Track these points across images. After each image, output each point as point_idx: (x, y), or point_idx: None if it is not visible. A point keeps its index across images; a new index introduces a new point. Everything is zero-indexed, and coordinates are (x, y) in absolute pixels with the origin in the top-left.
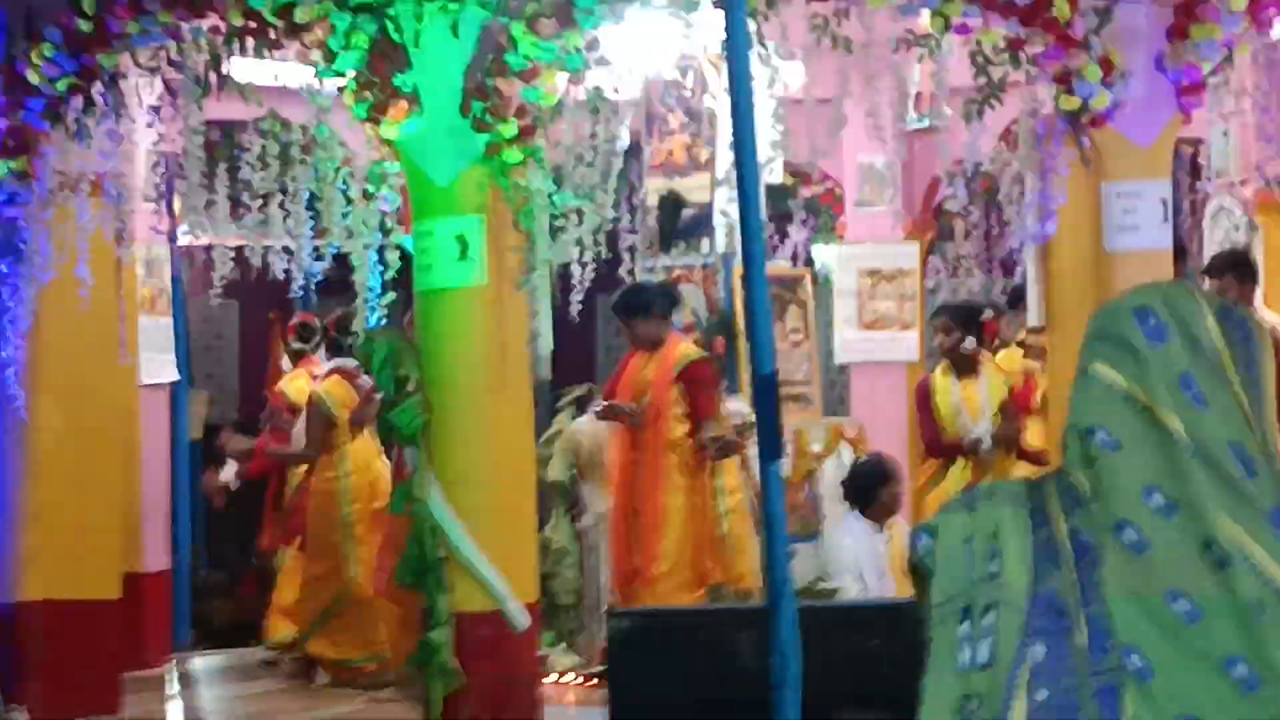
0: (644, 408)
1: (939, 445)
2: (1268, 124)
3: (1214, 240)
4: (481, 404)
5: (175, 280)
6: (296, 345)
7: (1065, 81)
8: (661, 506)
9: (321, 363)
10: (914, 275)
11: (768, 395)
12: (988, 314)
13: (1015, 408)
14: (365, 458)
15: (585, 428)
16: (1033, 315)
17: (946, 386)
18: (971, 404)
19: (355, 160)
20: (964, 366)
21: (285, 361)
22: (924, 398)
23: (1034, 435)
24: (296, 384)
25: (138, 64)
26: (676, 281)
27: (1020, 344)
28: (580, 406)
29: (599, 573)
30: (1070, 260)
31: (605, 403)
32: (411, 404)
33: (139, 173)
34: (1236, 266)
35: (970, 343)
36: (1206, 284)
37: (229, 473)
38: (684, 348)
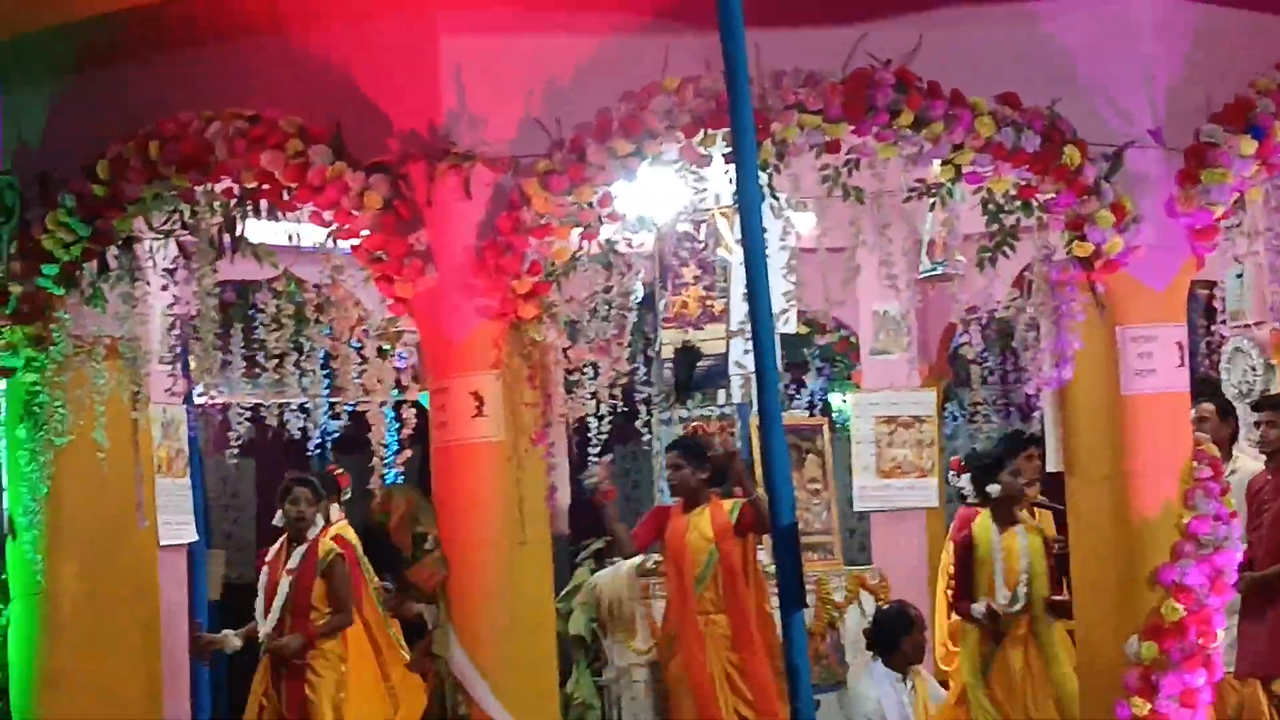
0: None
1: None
2: None
3: (1231, 382)
4: (500, 559)
5: (192, 441)
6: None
7: (1078, 227)
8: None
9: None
10: (931, 422)
11: (788, 546)
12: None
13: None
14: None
15: (605, 581)
16: (1051, 460)
17: (988, 537)
18: (1010, 560)
19: (370, 318)
20: (1006, 516)
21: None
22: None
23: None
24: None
25: (151, 227)
26: (693, 433)
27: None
28: (599, 559)
29: None
30: (1087, 404)
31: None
32: (430, 560)
33: (154, 335)
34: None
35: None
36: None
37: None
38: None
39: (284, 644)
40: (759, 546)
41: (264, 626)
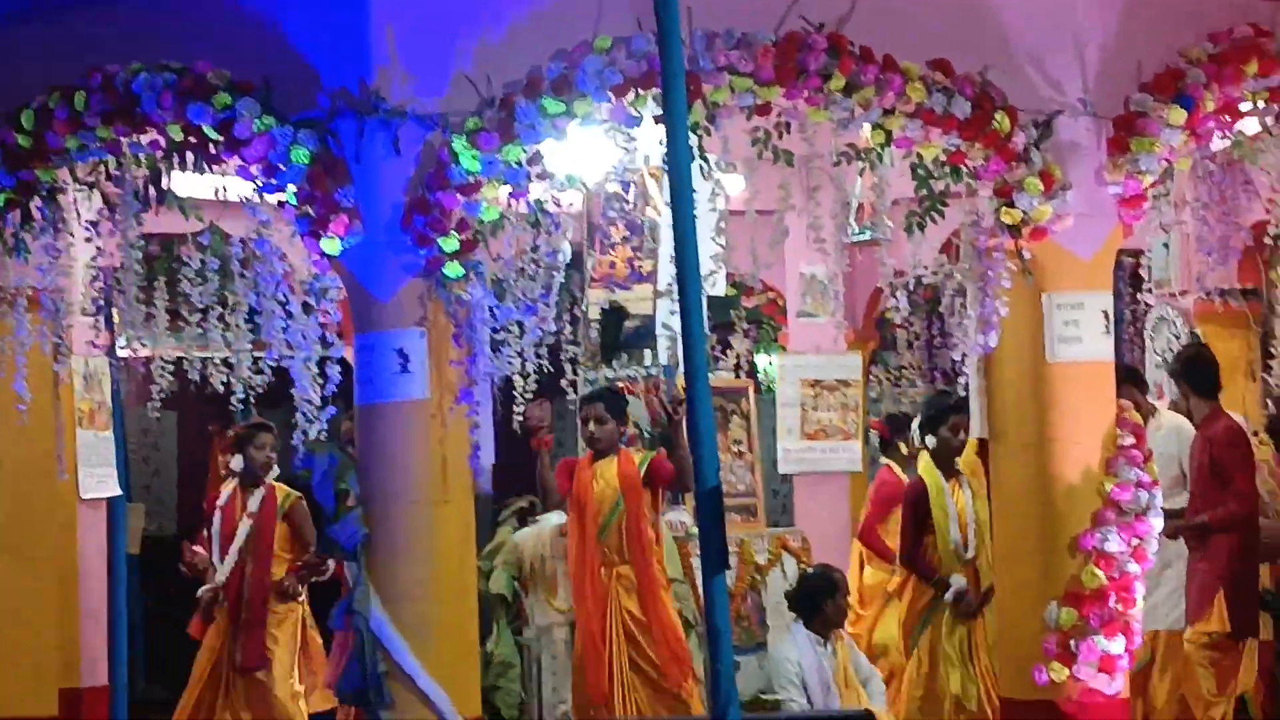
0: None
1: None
2: (1207, 235)
3: (1155, 350)
4: (423, 517)
5: (115, 394)
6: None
7: (1006, 194)
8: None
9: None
10: (856, 385)
11: (712, 508)
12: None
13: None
14: None
15: (528, 539)
16: (975, 426)
17: (939, 487)
18: (960, 508)
19: (295, 273)
20: (948, 469)
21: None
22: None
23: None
24: None
25: (76, 179)
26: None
27: None
28: (522, 519)
29: (543, 686)
30: (1013, 371)
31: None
32: (352, 518)
33: (77, 287)
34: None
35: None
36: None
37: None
38: (639, 452)
39: (285, 586)
40: (680, 506)
41: (221, 571)
